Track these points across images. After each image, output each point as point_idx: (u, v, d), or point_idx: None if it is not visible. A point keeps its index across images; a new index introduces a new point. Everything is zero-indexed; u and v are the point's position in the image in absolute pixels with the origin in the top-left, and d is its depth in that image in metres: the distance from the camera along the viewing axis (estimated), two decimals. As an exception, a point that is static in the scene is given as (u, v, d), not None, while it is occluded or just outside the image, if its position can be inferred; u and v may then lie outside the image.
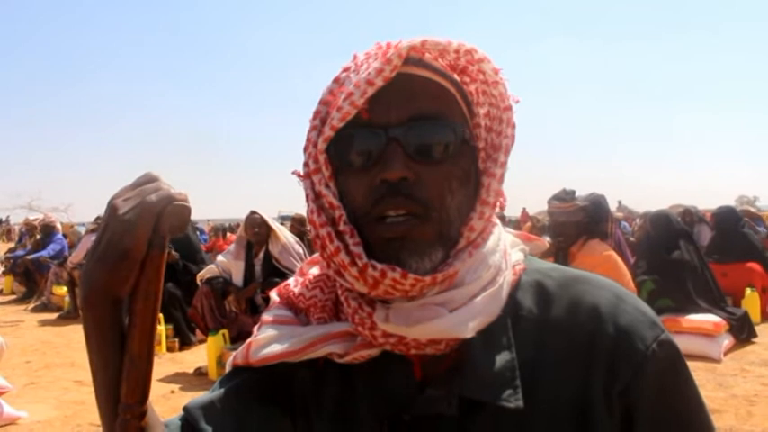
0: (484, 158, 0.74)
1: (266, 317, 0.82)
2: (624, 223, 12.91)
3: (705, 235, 8.54)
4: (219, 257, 6.16)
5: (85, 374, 5.23)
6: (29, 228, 12.74)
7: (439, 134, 0.69)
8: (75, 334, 7.26)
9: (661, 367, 0.69)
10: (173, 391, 4.88)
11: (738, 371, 5.05)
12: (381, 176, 0.67)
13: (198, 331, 6.32)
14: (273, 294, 0.87)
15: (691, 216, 8.93)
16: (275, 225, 5.82)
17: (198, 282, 5.92)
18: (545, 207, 4.86)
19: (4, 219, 33.22)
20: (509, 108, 0.73)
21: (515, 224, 16.37)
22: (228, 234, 15.08)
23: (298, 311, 0.82)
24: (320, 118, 0.73)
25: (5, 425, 4.18)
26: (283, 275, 5.13)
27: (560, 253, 4.30)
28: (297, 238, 5.92)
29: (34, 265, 10.31)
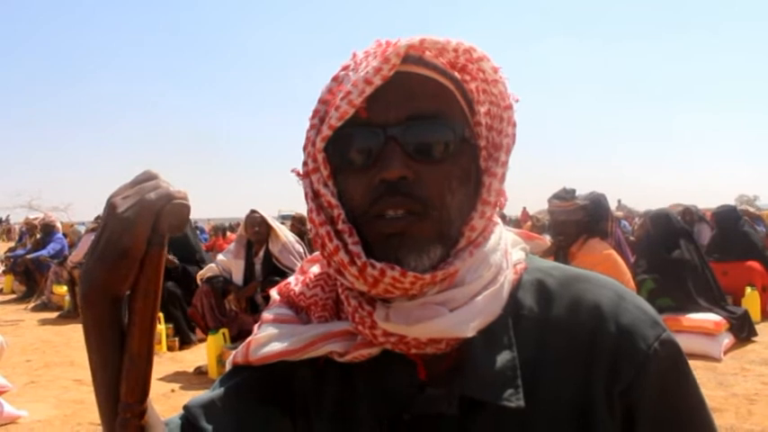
0: (485, 157, 0.73)
1: (266, 315, 0.82)
2: (624, 222, 12.90)
3: (705, 234, 8.54)
4: (220, 256, 6.16)
5: (85, 373, 5.22)
6: (29, 227, 12.74)
7: (438, 133, 0.69)
8: (75, 333, 7.26)
9: (663, 367, 0.69)
10: (173, 390, 4.88)
11: (739, 370, 5.05)
12: (380, 176, 0.67)
13: (198, 330, 6.33)
14: (274, 293, 0.86)
15: (691, 215, 8.93)
16: (275, 224, 5.82)
17: (198, 281, 5.93)
18: (545, 206, 4.85)
19: (4, 218, 33.23)
20: (509, 107, 0.73)
21: (515, 223, 16.37)
22: (228, 233, 15.07)
23: (298, 310, 0.81)
24: (319, 117, 0.72)
25: (5, 424, 4.18)
26: (283, 274, 5.12)
27: (560, 252, 4.29)
28: (297, 237, 5.92)
29: (34, 264, 10.31)
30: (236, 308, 5.78)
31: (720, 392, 4.44)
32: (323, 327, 0.75)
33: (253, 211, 5.73)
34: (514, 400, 0.67)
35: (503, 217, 11.74)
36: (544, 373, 0.69)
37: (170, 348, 6.36)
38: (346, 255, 0.67)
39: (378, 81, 0.67)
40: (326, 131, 0.69)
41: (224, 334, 5.40)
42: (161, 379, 5.16)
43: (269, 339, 0.77)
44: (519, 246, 0.80)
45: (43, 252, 10.35)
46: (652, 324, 0.70)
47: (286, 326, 0.78)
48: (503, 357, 0.69)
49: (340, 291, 0.75)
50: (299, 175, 0.74)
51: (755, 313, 6.45)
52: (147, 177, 0.66)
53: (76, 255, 8.88)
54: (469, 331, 0.67)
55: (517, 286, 0.74)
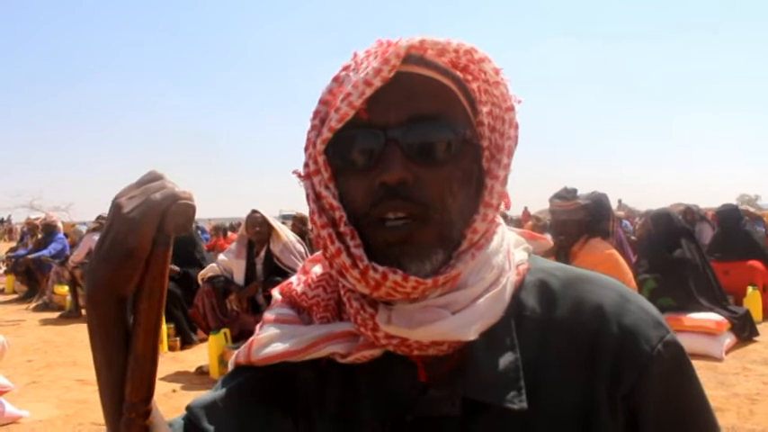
0: (488, 158, 0.73)
1: (268, 315, 0.82)
2: (625, 222, 12.88)
3: (707, 233, 8.53)
4: (221, 256, 6.16)
5: (87, 373, 5.24)
6: (30, 227, 12.73)
7: (439, 134, 0.68)
8: (76, 333, 7.26)
9: (666, 368, 0.68)
10: (174, 391, 4.88)
11: (740, 369, 5.04)
12: (380, 179, 0.66)
13: (199, 330, 6.32)
14: (275, 293, 0.86)
15: (692, 214, 8.92)
16: (276, 224, 5.82)
17: (199, 280, 5.93)
18: (546, 206, 4.84)
19: (5, 218, 33.20)
20: (511, 108, 0.73)
21: (516, 222, 16.34)
22: (230, 233, 15.06)
23: (300, 310, 0.81)
24: (320, 118, 0.72)
25: (7, 424, 4.18)
26: (285, 274, 5.12)
27: (562, 252, 4.29)
28: (298, 237, 5.92)
29: (36, 264, 10.31)
30: (237, 308, 5.78)
31: (722, 392, 4.43)
32: (325, 328, 0.75)
33: (254, 211, 5.73)
34: (517, 401, 0.66)
35: (504, 216, 11.72)
36: (547, 374, 0.69)
37: (171, 348, 6.35)
38: (348, 258, 0.67)
39: (377, 83, 0.67)
40: (327, 134, 0.69)
41: (225, 334, 5.40)
42: (162, 379, 5.16)
43: (271, 340, 0.77)
44: (522, 246, 0.80)
45: (44, 252, 10.35)
46: (655, 325, 0.70)
47: (288, 326, 0.78)
48: (505, 359, 0.69)
49: (342, 292, 0.75)
50: (300, 176, 0.74)
51: (757, 313, 6.44)
52: (153, 178, 0.66)
53: (78, 255, 8.88)
54: (471, 334, 0.67)
55: (520, 287, 0.74)
